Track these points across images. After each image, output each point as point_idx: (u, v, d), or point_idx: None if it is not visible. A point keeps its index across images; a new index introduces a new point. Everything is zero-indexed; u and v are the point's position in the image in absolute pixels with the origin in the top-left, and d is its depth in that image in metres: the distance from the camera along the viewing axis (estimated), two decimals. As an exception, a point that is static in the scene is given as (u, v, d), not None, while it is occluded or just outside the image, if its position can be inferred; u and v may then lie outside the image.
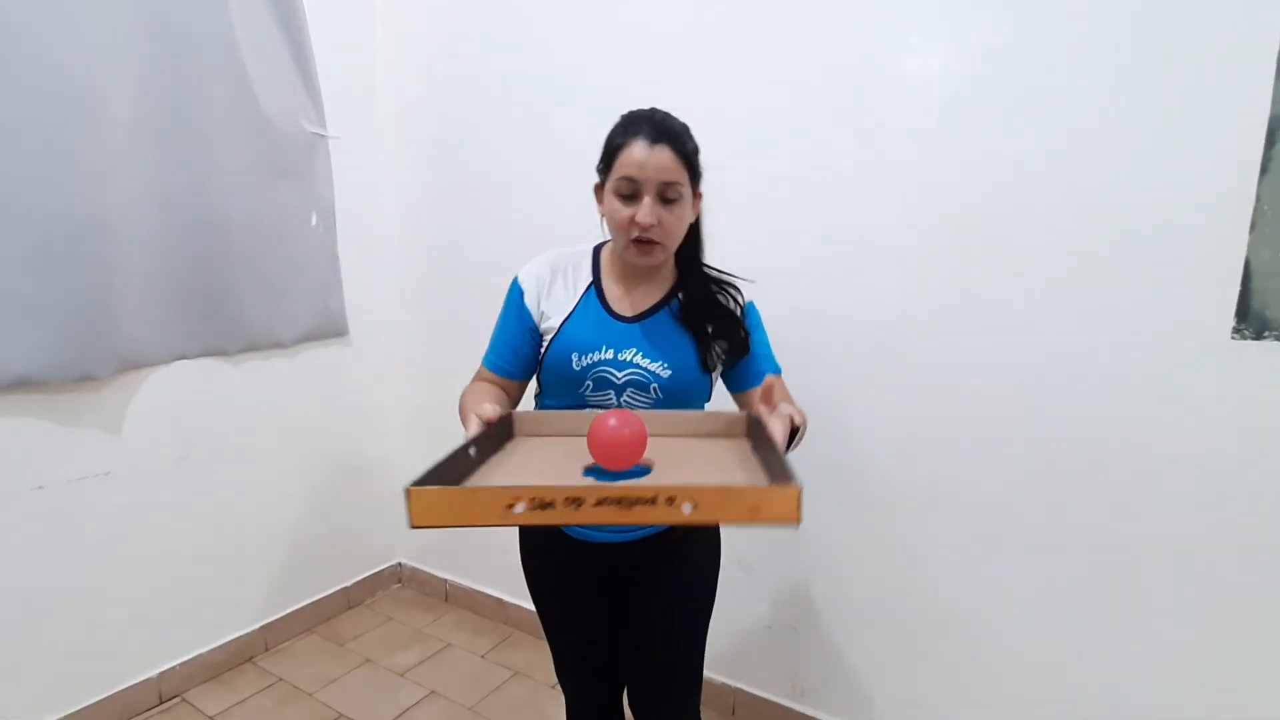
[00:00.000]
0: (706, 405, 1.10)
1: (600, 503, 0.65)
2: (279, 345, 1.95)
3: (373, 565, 2.35)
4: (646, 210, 0.95)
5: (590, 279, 1.08)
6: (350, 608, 2.27)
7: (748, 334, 1.07)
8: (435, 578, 2.35)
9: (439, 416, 2.25)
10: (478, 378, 1.13)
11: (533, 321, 1.07)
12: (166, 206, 1.64)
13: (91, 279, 1.50)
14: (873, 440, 1.53)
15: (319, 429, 2.12)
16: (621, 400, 1.02)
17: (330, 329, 2.08)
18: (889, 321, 1.48)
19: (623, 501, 0.65)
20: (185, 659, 1.83)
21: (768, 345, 1.12)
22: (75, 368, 1.50)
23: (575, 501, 0.65)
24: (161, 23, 1.58)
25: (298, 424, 2.05)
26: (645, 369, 1.02)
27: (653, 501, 0.65)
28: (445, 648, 2.09)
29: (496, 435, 0.94)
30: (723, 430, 0.98)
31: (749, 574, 1.73)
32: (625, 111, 1.02)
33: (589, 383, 1.02)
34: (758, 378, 1.07)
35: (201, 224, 1.71)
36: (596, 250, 1.12)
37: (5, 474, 1.47)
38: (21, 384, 1.44)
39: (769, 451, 0.80)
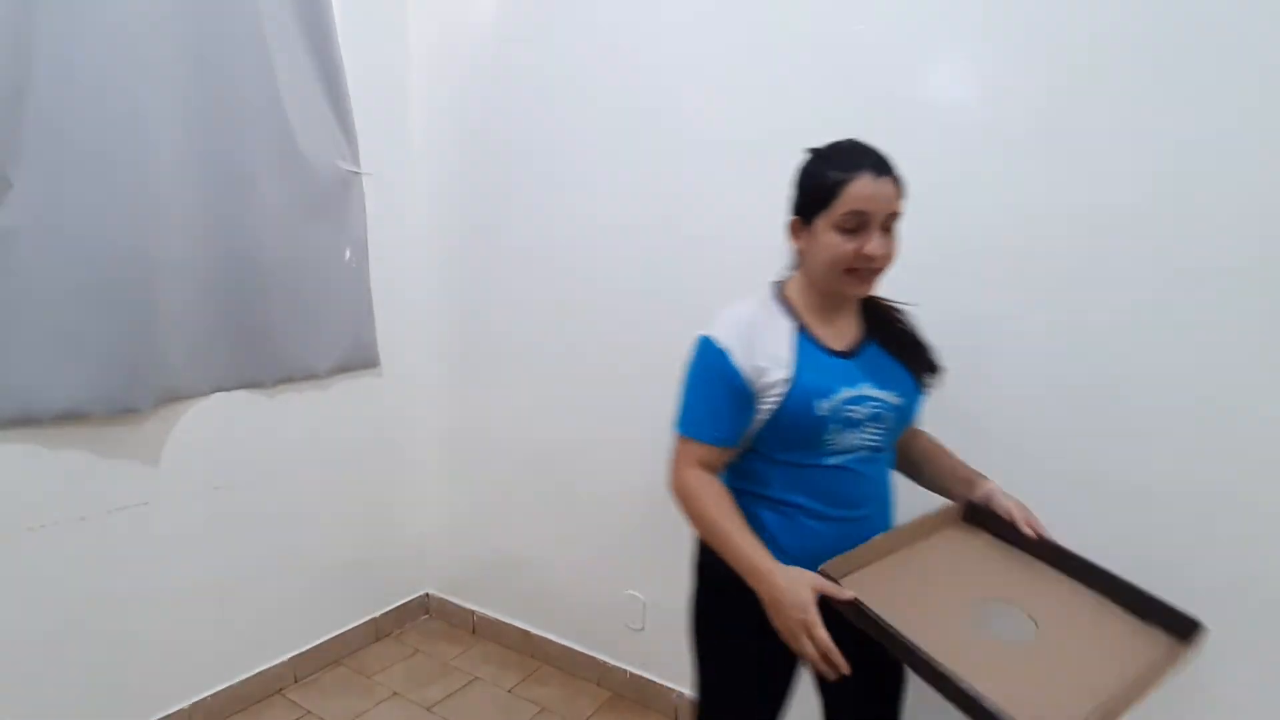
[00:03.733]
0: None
1: None
2: (313, 377, 1.99)
3: (400, 596, 2.35)
4: (879, 243, 0.96)
5: (793, 322, 1.05)
6: (378, 639, 2.27)
7: (936, 357, 1.10)
8: (463, 609, 2.34)
9: (467, 448, 2.28)
10: (687, 457, 1.06)
11: (743, 382, 1.01)
12: (207, 244, 1.70)
13: (135, 314, 1.55)
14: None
15: (349, 459, 2.14)
16: (861, 436, 1.02)
17: (362, 360, 2.11)
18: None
19: None
20: (216, 690, 1.84)
21: None
22: (118, 400, 1.54)
23: None
24: (207, 67, 1.65)
25: (329, 454, 2.08)
26: (881, 400, 1.02)
27: None
28: (472, 681, 2.07)
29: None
30: (937, 526, 1.05)
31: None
32: (820, 146, 1.02)
33: (833, 426, 1.00)
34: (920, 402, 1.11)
35: (240, 260, 1.76)
36: (780, 294, 1.09)
37: (50, 504, 1.51)
38: (67, 416, 1.49)
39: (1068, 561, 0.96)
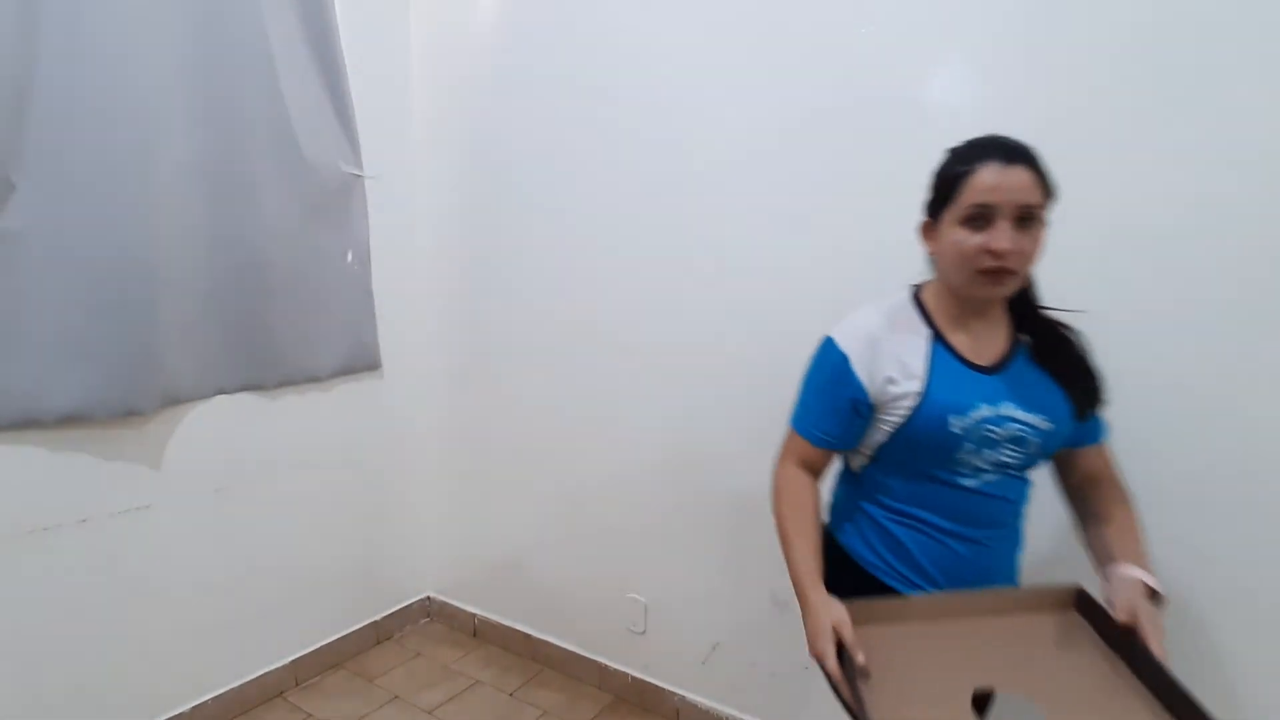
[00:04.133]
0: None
1: None
2: (314, 379, 1.99)
3: (401, 599, 2.35)
4: (1003, 234, 0.87)
5: (929, 331, 0.98)
6: (379, 643, 2.26)
7: (1103, 382, 0.98)
8: (464, 612, 2.34)
9: (468, 450, 2.28)
10: (791, 452, 1.06)
11: (863, 392, 0.97)
12: (211, 247, 1.70)
13: (138, 317, 1.55)
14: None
15: (351, 461, 2.14)
16: (999, 458, 0.94)
17: (364, 362, 2.11)
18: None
19: None
20: (218, 693, 1.84)
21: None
22: (121, 403, 1.54)
23: None
24: (211, 71, 1.66)
25: (330, 456, 2.08)
26: (1025, 423, 0.93)
27: None
28: (473, 685, 2.07)
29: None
30: (1034, 605, 0.94)
31: (784, 611, 1.69)
32: (951, 146, 0.96)
33: (968, 445, 0.94)
34: (1091, 434, 1.01)
35: (243, 263, 1.76)
36: (916, 299, 1.02)
37: (53, 507, 1.51)
38: (70, 419, 1.49)
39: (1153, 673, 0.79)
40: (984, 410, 0.93)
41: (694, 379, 1.77)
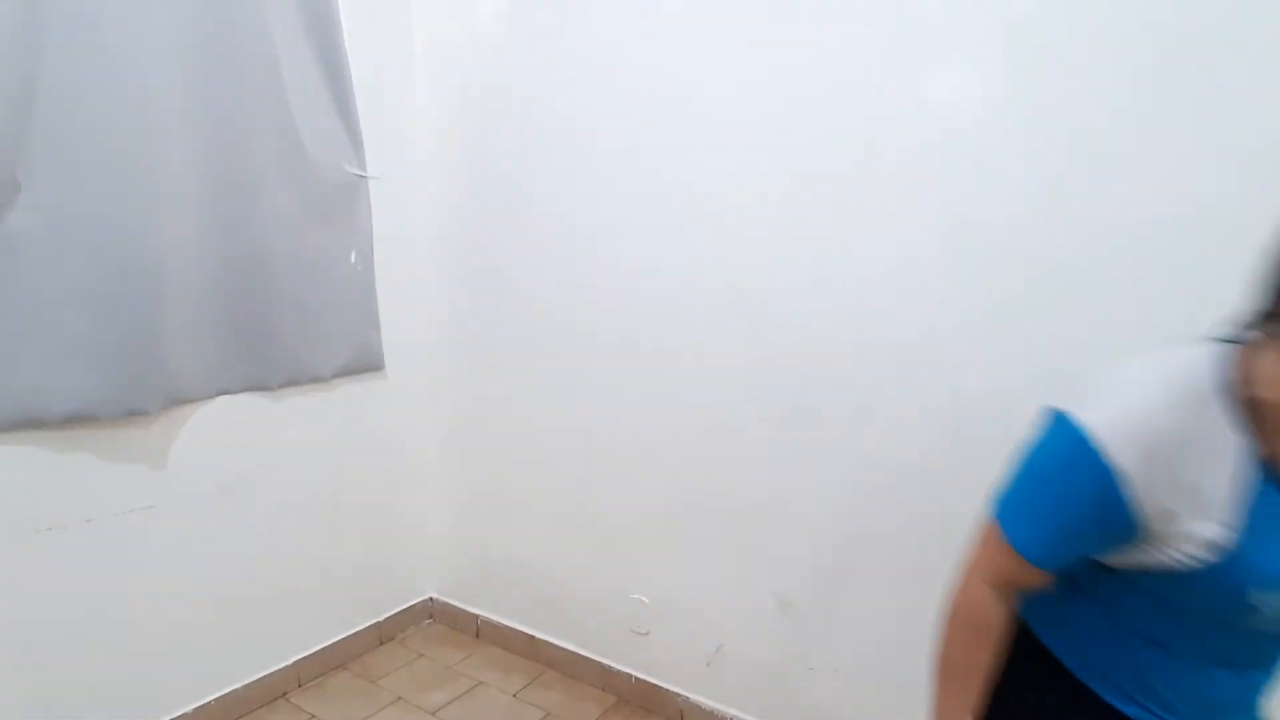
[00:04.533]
0: None
1: None
2: (317, 379, 1.99)
3: (404, 600, 2.34)
4: None
5: (1243, 440, 0.63)
6: (381, 643, 2.26)
7: None
8: (467, 613, 2.33)
9: (471, 450, 2.28)
10: (993, 563, 0.76)
11: (1132, 522, 0.65)
12: (215, 248, 1.70)
13: (143, 317, 1.55)
14: (919, 469, 1.50)
15: (354, 461, 2.14)
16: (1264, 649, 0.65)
17: (367, 363, 2.11)
18: (911, 343, 1.45)
19: None
20: (220, 694, 1.83)
21: None
22: (126, 403, 1.55)
23: None
24: (215, 73, 1.66)
25: (333, 457, 2.08)
26: None
27: None
28: (476, 686, 2.06)
29: None
30: None
31: (787, 611, 1.69)
32: None
33: (1267, 616, 0.65)
34: None
35: (247, 264, 1.77)
36: (1225, 372, 0.65)
37: (57, 507, 1.51)
38: (75, 419, 1.49)
39: None
40: None
41: (698, 381, 1.77)
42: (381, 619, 2.26)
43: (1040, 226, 1.32)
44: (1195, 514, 0.62)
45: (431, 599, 2.42)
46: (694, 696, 1.88)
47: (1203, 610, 0.67)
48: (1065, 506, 0.69)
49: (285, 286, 1.84)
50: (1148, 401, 0.64)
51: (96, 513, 1.57)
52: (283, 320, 1.85)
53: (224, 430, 1.80)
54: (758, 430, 1.69)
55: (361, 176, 2.02)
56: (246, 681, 1.89)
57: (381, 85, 2.08)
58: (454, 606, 2.37)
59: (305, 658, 2.04)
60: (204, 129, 1.65)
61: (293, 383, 1.93)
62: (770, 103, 1.58)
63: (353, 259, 2.02)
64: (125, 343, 1.52)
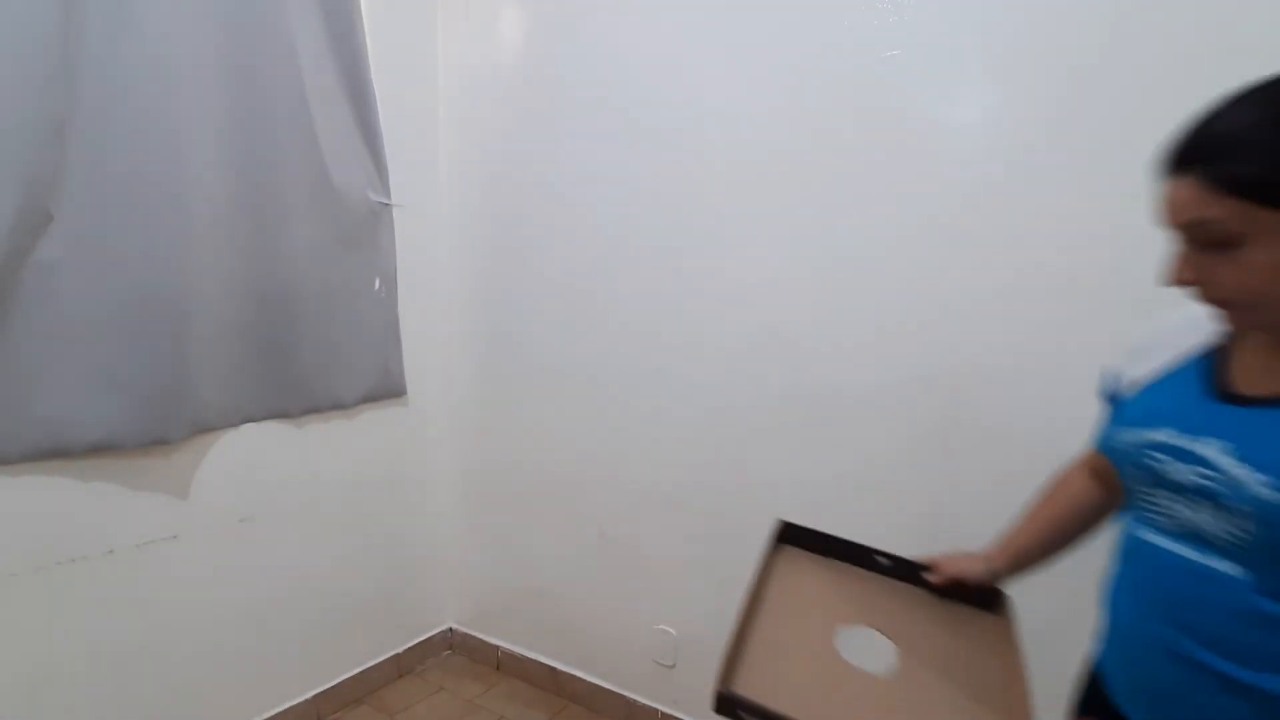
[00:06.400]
0: None
1: None
2: (339, 407, 1.98)
3: (423, 631, 2.30)
4: (1178, 262, 0.68)
5: (1213, 340, 0.74)
6: (400, 676, 2.22)
7: None
8: (487, 644, 2.29)
9: (492, 477, 2.25)
10: (1081, 458, 0.93)
11: (1116, 386, 0.83)
12: (240, 276, 1.71)
13: (169, 346, 1.55)
14: (962, 496, 1.45)
15: (374, 489, 2.12)
16: (1188, 515, 0.67)
17: (389, 390, 2.10)
18: (950, 371, 1.42)
19: None
20: (239, 730, 1.80)
21: None
22: (151, 432, 1.54)
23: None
24: (245, 104, 1.68)
25: (353, 484, 2.06)
26: (1226, 475, 0.64)
27: None
28: (498, 721, 2.01)
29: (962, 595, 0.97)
30: (771, 561, 1.03)
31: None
32: None
33: (1130, 471, 0.74)
34: None
35: (272, 292, 1.77)
36: None
37: (80, 538, 1.50)
38: (100, 448, 1.48)
39: None
40: (1162, 434, 0.70)
41: (724, 409, 1.74)
42: (400, 650, 2.22)
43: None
44: (1140, 374, 0.79)
45: (451, 629, 2.37)
46: (723, 733, 1.81)
47: (1121, 472, 0.77)
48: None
49: (310, 314, 1.84)
50: (1176, 316, 0.79)
51: (118, 544, 1.56)
52: (307, 348, 1.85)
53: (246, 459, 1.78)
54: (787, 459, 1.66)
55: (386, 204, 2.03)
56: (267, 715, 1.86)
57: (405, 114, 2.10)
58: (474, 637, 2.32)
59: (325, 691, 1.99)
60: (232, 159, 1.67)
61: (315, 410, 1.92)
62: (794, 133, 1.58)
63: (377, 286, 2.02)
64: (151, 371, 1.52)
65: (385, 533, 2.16)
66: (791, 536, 1.09)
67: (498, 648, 2.26)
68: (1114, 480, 0.80)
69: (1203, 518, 0.66)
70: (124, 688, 1.58)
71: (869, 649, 0.91)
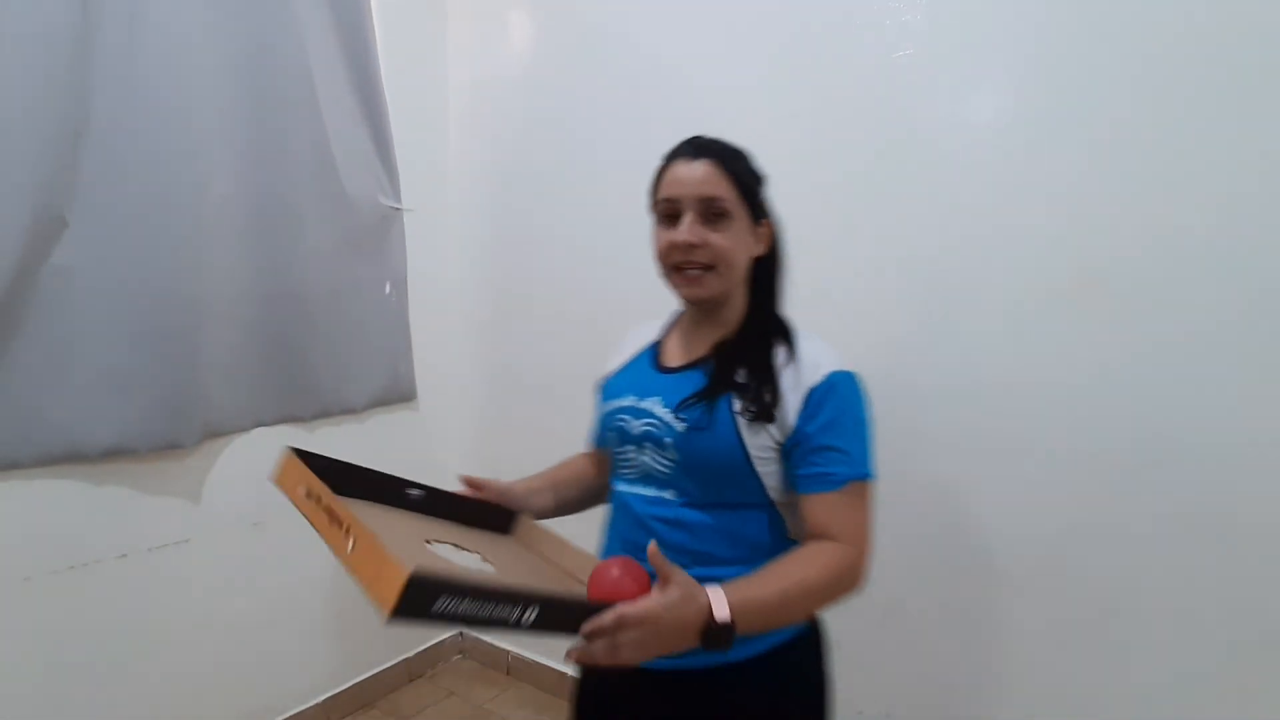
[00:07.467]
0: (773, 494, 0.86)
1: (328, 514, 0.76)
2: (350, 411, 1.98)
3: (434, 635, 2.30)
4: (686, 227, 0.86)
5: (658, 336, 1.03)
6: (411, 680, 2.21)
7: (774, 394, 0.83)
8: (497, 649, 2.28)
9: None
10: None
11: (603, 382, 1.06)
12: (253, 282, 1.72)
13: (182, 350, 1.56)
14: (971, 503, 1.44)
15: (385, 494, 2.12)
16: (644, 459, 0.88)
17: (399, 394, 2.11)
18: (974, 377, 1.40)
19: (338, 521, 0.74)
20: (250, 734, 1.80)
21: (851, 437, 0.83)
22: (164, 436, 1.54)
23: (318, 499, 0.79)
24: (259, 111, 1.69)
25: (365, 489, 2.06)
26: (660, 420, 0.87)
27: (343, 532, 0.73)
28: (508, 726, 2.00)
29: (474, 511, 1.01)
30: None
31: (835, 652, 1.61)
32: None
33: (611, 435, 0.94)
34: (812, 482, 0.82)
35: (284, 297, 1.78)
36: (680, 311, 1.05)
37: (94, 542, 1.51)
38: (114, 452, 1.49)
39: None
40: (626, 400, 0.92)
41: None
42: (411, 655, 2.22)
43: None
44: (611, 363, 1.03)
45: (461, 634, 2.37)
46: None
47: (598, 430, 1.01)
48: None
49: (321, 318, 1.85)
50: (643, 327, 1.07)
51: (131, 547, 1.56)
52: (319, 352, 1.86)
53: (257, 462, 1.78)
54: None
55: (396, 209, 2.04)
56: (277, 720, 1.86)
57: (416, 120, 2.11)
58: (484, 642, 2.32)
59: (335, 695, 1.99)
60: (245, 164, 1.68)
61: (326, 414, 1.92)
62: (812, 146, 1.56)
63: (387, 290, 2.03)
64: (165, 376, 1.53)
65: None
66: (313, 464, 0.91)
67: (508, 652, 2.25)
68: (604, 465, 1.05)
69: (650, 458, 0.89)
70: (136, 690, 1.58)
71: (457, 558, 0.87)
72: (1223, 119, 1.17)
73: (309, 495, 0.79)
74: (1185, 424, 1.22)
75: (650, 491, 0.89)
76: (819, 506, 0.82)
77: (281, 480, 0.87)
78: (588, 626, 0.66)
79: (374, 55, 1.92)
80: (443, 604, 0.61)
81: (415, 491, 0.97)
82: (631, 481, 0.92)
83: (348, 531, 0.70)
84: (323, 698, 1.96)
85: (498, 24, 2.09)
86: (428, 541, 0.86)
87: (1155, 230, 1.22)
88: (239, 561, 1.76)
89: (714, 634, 0.69)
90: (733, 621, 0.70)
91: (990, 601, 1.42)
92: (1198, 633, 1.23)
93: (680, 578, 0.70)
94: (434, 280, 2.20)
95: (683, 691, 0.86)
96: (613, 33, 1.85)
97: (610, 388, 0.99)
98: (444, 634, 2.32)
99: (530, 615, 0.63)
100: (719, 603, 0.70)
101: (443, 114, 2.22)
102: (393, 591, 0.61)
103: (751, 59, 1.63)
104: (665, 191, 0.89)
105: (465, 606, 0.61)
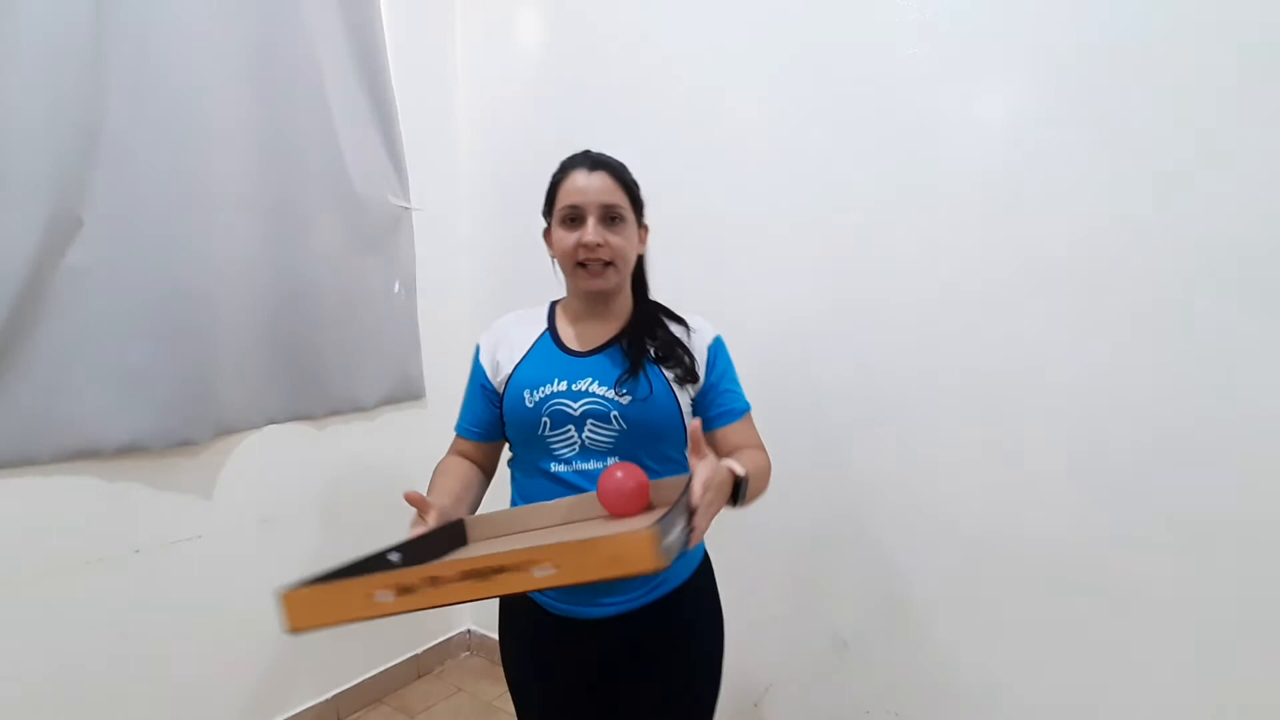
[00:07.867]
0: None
1: (462, 578, 0.63)
2: (360, 408, 2.00)
3: (442, 632, 2.31)
4: (591, 229, 0.99)
5: (545, 326, 1.09)
6: (419, 676, 2.23)
7: (691, 359, 1.04)
8: (504, 647, 2.29)
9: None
10: (451, 448, 1.16)
11: (488, 378, 1.08)
12: (265, 280, 1.73)
13: (195, 348, 1.57)
14: (981, 502, 1.43)
15: (392, 489, 2.10)
16: (584, 436, 0.99)
17: (408, 392, 2.12)
18: (977, 377, 1.40)
19: (483, 573, 0.63)
20: (261, 728, 1.81)
21: (735, 380, 1.09)
22: (177, 433, 1.56)
23: (434, 580, 0.65)
24: (270, 112, 1.70)
25: (372, 486, 2.07)
26: (602, 397, 0.99)
27: (515, 569, 0.62)
28: (516, 723, 2.01)
29: (444, 540, 0.99)
30: (671, 497, 0.89)
31: (843, 651, 1.62)
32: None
33: (545, 420, 0.99)
34: (722, 417, 1.05)
35: (295, 295, 1.79)
36: (553, 304, 1.14)
37: (108, 538, 1.52)
38: (128, 449, 1.50)
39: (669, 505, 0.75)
40: (558, 385, 1.00)
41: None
42: (419, 651, 2.23)
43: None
44: (507, 362, 1.05)
45: (470, 631, 2.38)
46: (741, 738, 1.80)
47: (525, 438, 1.03)
48: (468, 386, 1.13)
49: (332, 317, 1.86)
50: (503, 318, 1.15)
51: (145, 543, 1.58)
52: (329, 350, 1.87)
53: (268, 460, 1.80)
54: (813, 453, 1.64)
55: (406, 208, 2.04)
56: (287, 715, 1.87)
57: (425, 120, 2.12)
58: (492, 639, 2.32)
59: (344, 691, 2.01)
60: (257, 165, 1.69)
61: (336, 412, 1.94)
62: (824, 144, 1.56)
63: (396, 289, 2.04)
64: (178, 374, 1.54)
65: (403, 533, 2.16)
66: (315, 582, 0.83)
67: (515, 650, 2.26)
68: (480, 456, 1.13)
69: (590, 433, 0.98)
70: (148, 685, 1.60)
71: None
72: (1232, 118, 1.16)
73: (402, 591, 0.68)
74: (1185, 424, 1.21)
75: (590, 465, 0.99)
76: (732, 433, 1.04)
77: (318, 614, 0.75)
78: (694, 501, 0.76)
79: (384, 56, 1.94)
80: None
81: (395, 555, 0.94)
82: (568, 460, 1.00)
83: (529, 564, 0.62)
84: (331, 693, 1.98)
85: (506, 24, 2.09)
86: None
87: (1158, 230, 1.22)
88: (249, 557, 1.78)
89: (738, 488, 0.85)
90: (745, 476, 0.86)
91: (997, 602, 1.42)
92: (1198, 632, 1.22)
93: (708, 449, 0.83)
94: (444, 279, 2.21)
95: (625, 627, 1.00)
96: (621, 29, 1.85)
97: (526, 378, 1.03)
98: (452, 631, 2.33)
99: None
100: (734, 464, 0.86)
101: (452, 114, 2.23)
102: (647, 544, 0.60)
103: (762, 55, 1.63)
104: (569, 199, 1.01)
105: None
